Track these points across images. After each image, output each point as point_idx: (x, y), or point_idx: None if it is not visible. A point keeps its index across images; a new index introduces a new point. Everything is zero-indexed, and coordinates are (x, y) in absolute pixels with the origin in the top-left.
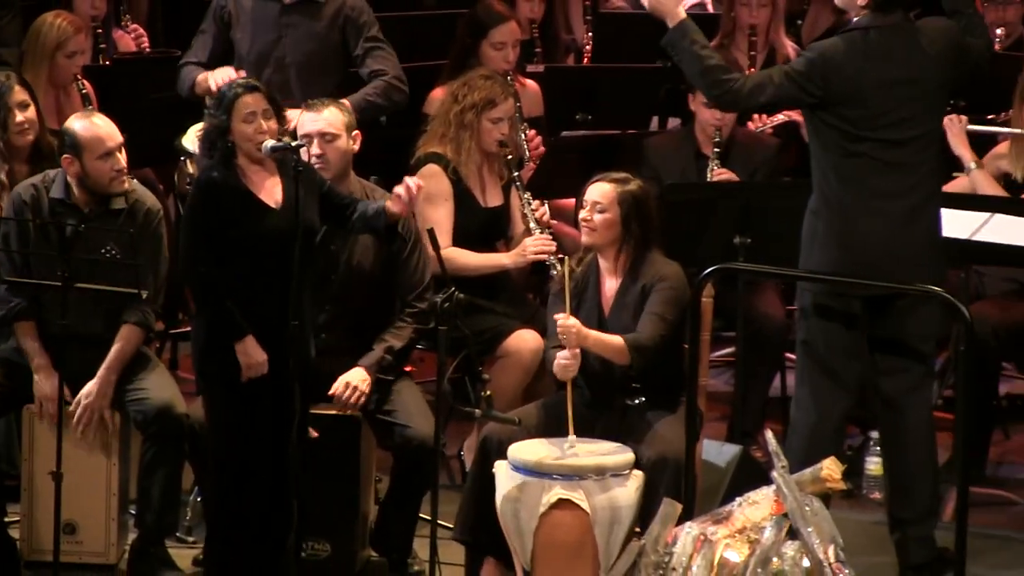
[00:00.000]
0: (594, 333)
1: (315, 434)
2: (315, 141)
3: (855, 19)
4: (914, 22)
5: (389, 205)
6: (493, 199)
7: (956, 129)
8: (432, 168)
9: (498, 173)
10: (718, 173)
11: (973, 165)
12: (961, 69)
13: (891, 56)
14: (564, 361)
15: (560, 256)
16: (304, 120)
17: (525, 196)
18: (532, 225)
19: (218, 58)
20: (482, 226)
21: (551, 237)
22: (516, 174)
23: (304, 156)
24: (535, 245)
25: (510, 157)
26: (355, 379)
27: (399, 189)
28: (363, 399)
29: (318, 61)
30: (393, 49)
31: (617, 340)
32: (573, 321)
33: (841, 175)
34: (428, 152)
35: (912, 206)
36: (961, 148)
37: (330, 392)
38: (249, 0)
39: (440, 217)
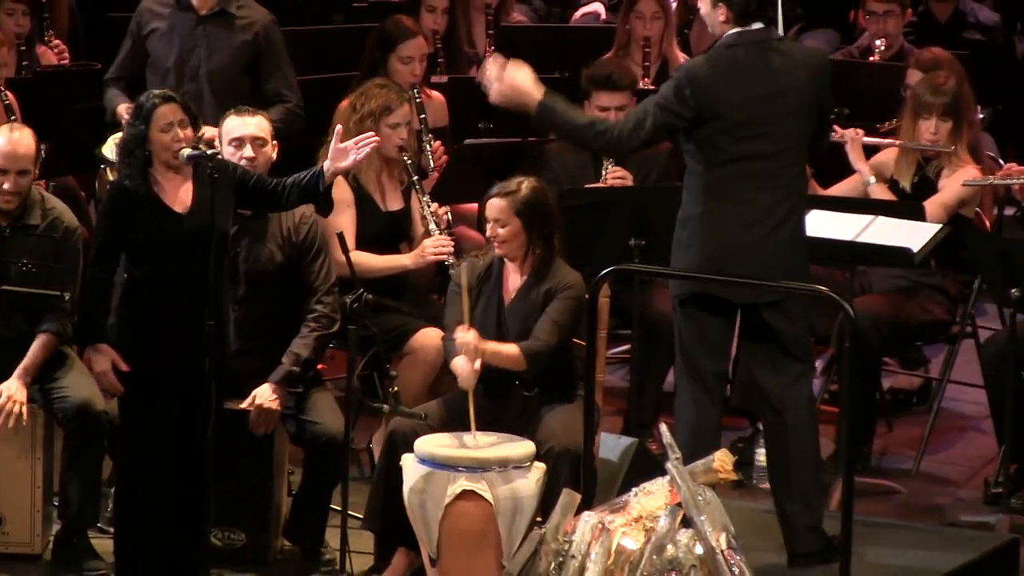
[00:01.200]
0: (491, 345)
1: None
2: (247, 145)
3: (721, 37)
4: (781, 40)
5: (326, 166)
6: (393, 203)
7: (854, 143)
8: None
9: (398, 178)
10: (612, 172)
11: (872, 180)
12: (823, 98)
13: (755, 71)
14: (464, 373)
15: (458, 262)
16: (234, 125)
17: (424, 199)
18: (431, 227)
19: (139, 74)
20: (384, 230)
21: (450, 238)
22: (415, 178)
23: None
24: (434, 246)
25: (410, 162)
26: (264, 399)
27: (344, 145)
28: (276, 419)
29: (231, 73)
30: (303, 64)
31: (513, 350)
32: (471, 336)
33: (709, 187)
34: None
35: (778, 217)
36: (859, 162)
37: (244, 404)
38: (166, 11)
39: (343, 223)
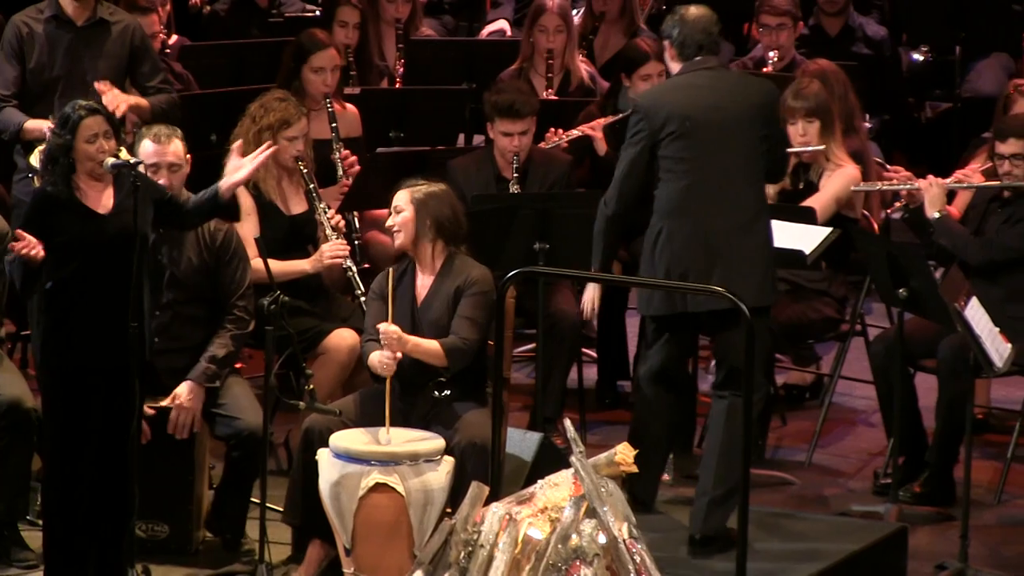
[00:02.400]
0: (413, 339)
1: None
2: (163, 170)
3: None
4: (727, 68)
5: (222, 182)
6: (296, 207)
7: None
8: None
9: (299, 183)
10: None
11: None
12: (769, 126)
13: (703, 87)
14: (385, 362)
15: (366, 266)
16: (151, 151)
17: (321, 206)
18: (328, 232)
19: (25, 88)
20: (287, 233)
21: (346, 242)
22: (312, 186)
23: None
24: (331, 250)
25: (306, 171)
26: (183, 398)
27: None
28: (194, 416)
29: (115, 77)
30: (223, 76)
31: (434, 345)
32: (395, 328)
33: (675, 200)
34: None
35: (739, 224)
36: None
37: (166, 402)
38: (41, 27)
39: (246, 230)
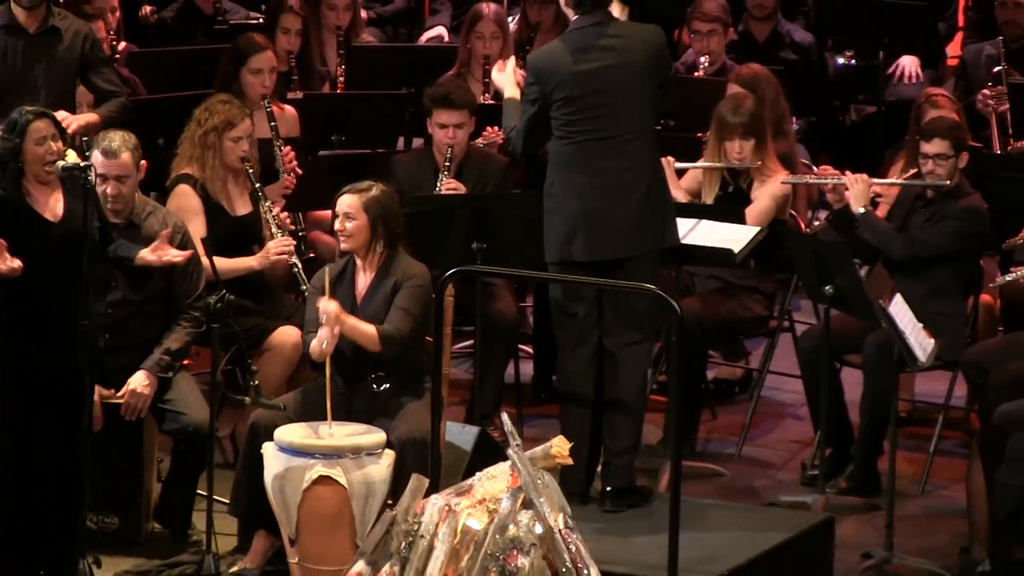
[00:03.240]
0: (351, 319)
1: (99, 427)
2: (111, 181)
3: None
4: (617, 22)
5: (140, 256)
6: (241, 208)
7: (668, 171)
8: (183, 188)
9: (244, 184)
10: (447, 183)
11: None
12: (661, 75)
13: (592, 47)
14: (323, 339)
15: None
16: (99, 163)
17: (266, 204)
18: (274, 230)
19: None
20: (233, 233)
21: (292, 239)
22: (258, 185)
23: (91, 176)
24: (277, 247)
25: (252, 171)
26: (138, 384)
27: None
28: (147, 402)
29: (67, 82)
30: (169, 82)
31: (370, 329)
32: (334, 304)
33: (566, 158)
34: (179, 174)
35: (628, 184)
36: (673, 188)
37: (119, 394)
38: None
39: (193, 230)
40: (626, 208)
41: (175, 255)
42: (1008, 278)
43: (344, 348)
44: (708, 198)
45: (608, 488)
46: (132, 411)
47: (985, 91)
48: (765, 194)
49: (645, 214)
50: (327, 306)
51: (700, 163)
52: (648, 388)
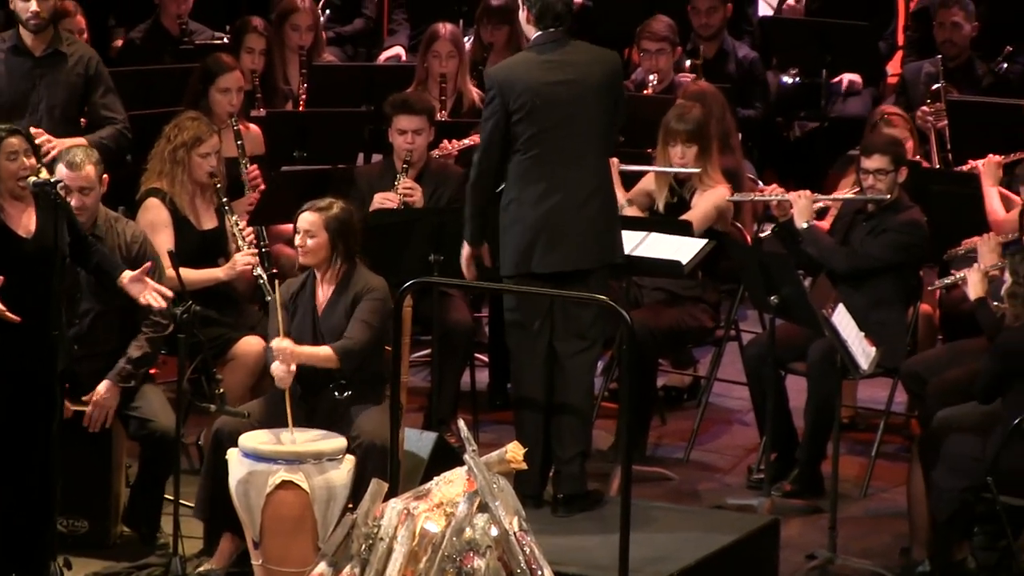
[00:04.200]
0: (305, 350)
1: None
2: (75, 193)
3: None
4: (575, 41)
5: (125, 280)
6: (208, 222)
7: (612, 172)
8: (152, 201)
9: (211, 200)
10: (404, 183)
11: (625, 203)
12: (615, 95)
13: (552, 64)
14: (280, 375)
15: (274, 271)
16: (64, 174)
17: (233, 219)
18: (240, 243)
19: None
20: (199, 246)
21: (256, 252)
22: (224, 200)
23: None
24: (243, 259)
25: (219, 186)
26: (100, 395)
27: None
28: (111, 413)
29: (67, 105)
30: (137, 99)
31: (326, 351)
32: (287, 343)
33: (523, 171)
34: (148, 188)
35: (584, 196)
36: (616, 188)
37: (85, 398)
38: (2, 56)
39: (162, 242)
40: (582, 222)
41: (154, 299)
42: (947, 281)
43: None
44: (660, 203)
45: (559, 495)
46: (95, 421)
47: (924, 108)
48: (707, 200)
49: (600, 228)
50: (280, 346)
51: (644, 167)
52: (595, 395)
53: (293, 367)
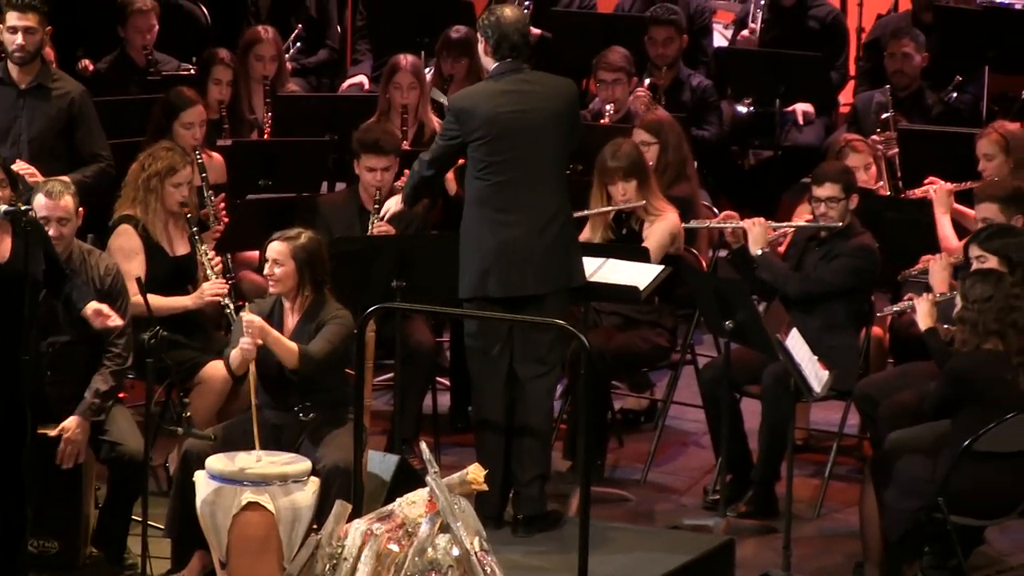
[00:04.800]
0: (274, 331)
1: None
2: (53, 223)
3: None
4: (533, 71)
5: (87, 313)
6: (180, 249)
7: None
8: (125, 228)
9: (182, 227)
10: (378, 226)
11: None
12: (572, 123)
13: (511, 92)
14: (246, 346)
15: (241, 303)
16: (42, 204)
17: (202, 248)
18: (208, 272)
19: None
20: (171, 273)
21: (225, 281)
22: (195, 229)
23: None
24: (211, 289)
25: (190, 215)
26: (71, 431)
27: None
28: (82, 448)
29: (48, 138)
30: (105, 129)
31: (291, 344)
32: (258, 318)
33: (481, 196)
34: (121, 214)
35: (541, 221)
36: None
37: (55, 432)
38: None
39: (134, 268)
40: (539, 247)
41: (112, 323)
42: (896, 308)
43: (271, 380)
44: (607, 235)
45: (519, 516)
46: (68, 457)
47: (875, 136)
48: (659, 229)
49: (557, 253)
50: (251, 318)
51: (592, 210)
52: (554, 418)
53: (258, 341)
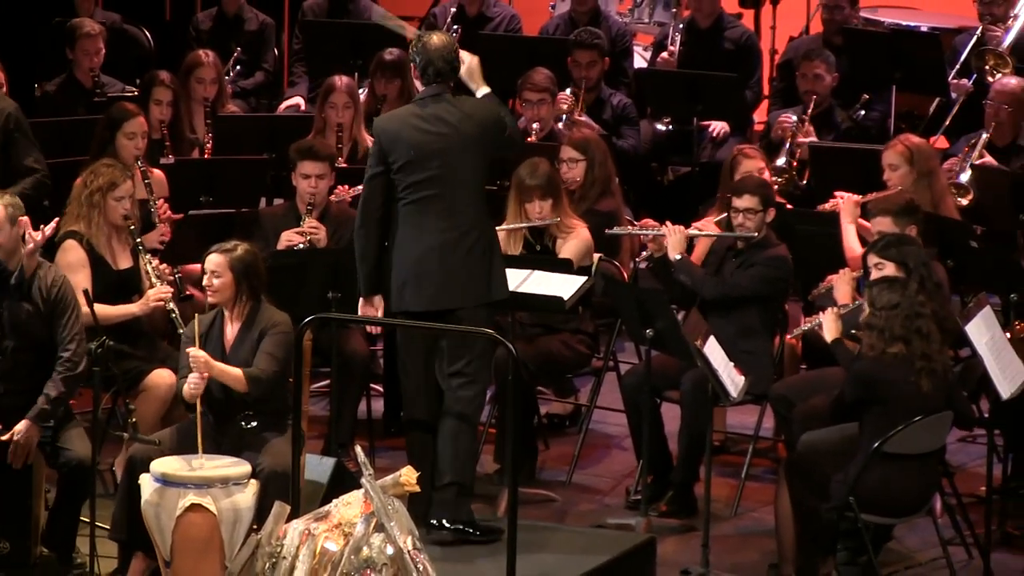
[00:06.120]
0: (219, 364)
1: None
2: None
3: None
4: (456, 96)
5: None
6: (123, 262)
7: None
8: (70, 243)
9: (125, 241)
10: (308, 223)
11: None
12: (497, 142)
13: (432, 116)
14: (193, 383)
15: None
16: None
17: (146, 257)
18: (153, 279)
19: None
20: (115, 285)
21: (169, 288)
22: (138, 240)
23: None
24: (156, 295)
25: (133, 227)
26: (21, 435)
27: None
28: (31, 450)
29: None
30: (53, 149)
31: (237, 372)
32: (203, 352)
33: (403, 218)
34: (66, 230)
35: (452, 239)
36: None
37: (5, 438)
38: None
39: (80, 280)
40: (455, 261)
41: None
42: (804, 328)
43: (214, 389)
44: (519, 251)
45: (432, 520)
46: (18, 459)
47: (788, 115)
48: (574, 243)
49: (475, 267)
50: (196, 354)
51: (509, 225)
52: (478, 427)
53: (206, 376)
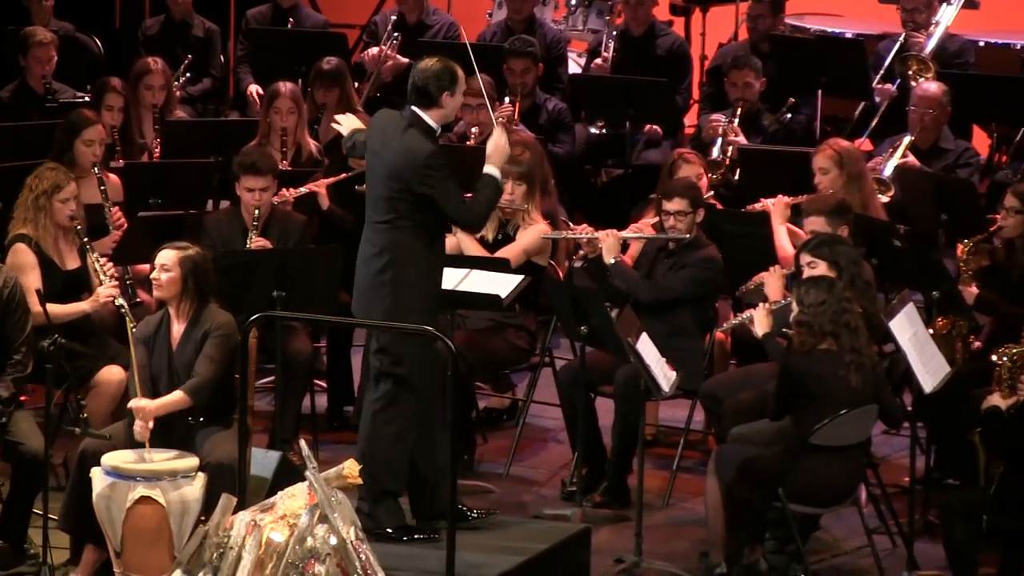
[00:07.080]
0: (159, 402)
1: None
2: None
3: None
4: (406, 116)
5: None
6: (71, 262)
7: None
8: (19, 246)
9: (73, 242)
10: (255, 241)
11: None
12: (409, 186)
13: (382, 131)
14: (139, 432)
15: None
16: None
17: (94, 255)
18: (102, 277)
19: None
20: (64, 284)
21: (117, 284)
22: (85, 239)
23: None
24: (105, 291)
25: (79, 228)
26: None
27: None
28: None
29: None
30: (7, 154)
31: (178, 396)
32: (144, 402)
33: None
34: (15, 234)
35: (367, 255)
36: None
37: None
38: None
39: (30, 282)
40: (363, 277)
41: None
42: (734, 322)
43: (163, 388)
44: (490, 235)
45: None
46: None
47: (718, 116)
48: (527, 236)
49: (376, 287)
50: (138, 405)
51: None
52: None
53: (150, 424)
